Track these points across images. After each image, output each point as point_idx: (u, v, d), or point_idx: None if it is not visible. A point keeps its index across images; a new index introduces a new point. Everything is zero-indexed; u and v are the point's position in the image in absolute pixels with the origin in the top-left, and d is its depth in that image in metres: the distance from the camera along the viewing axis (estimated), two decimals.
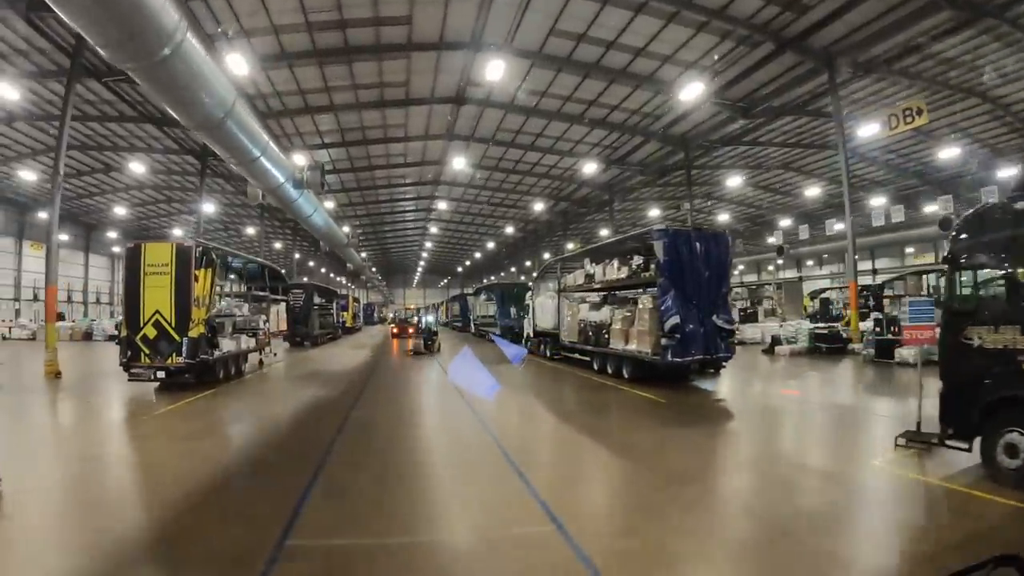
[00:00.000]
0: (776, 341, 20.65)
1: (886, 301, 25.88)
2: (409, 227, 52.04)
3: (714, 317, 11.92)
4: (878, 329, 17.69)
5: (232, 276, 20.95)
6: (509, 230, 47.43)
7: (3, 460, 5.80)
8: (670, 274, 11.71)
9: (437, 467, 6.80)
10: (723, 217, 41.41)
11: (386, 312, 68.82)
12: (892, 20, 16.03)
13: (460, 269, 75.98)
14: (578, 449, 7.81)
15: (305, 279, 42.56)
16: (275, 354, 20.46)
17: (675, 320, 11.36)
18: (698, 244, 12.06)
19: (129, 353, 11.75)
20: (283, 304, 22.19)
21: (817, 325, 22.09)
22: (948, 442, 5.97)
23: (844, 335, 20.01)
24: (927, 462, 6.24)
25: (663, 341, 11.48)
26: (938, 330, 6.57)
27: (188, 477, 5.99)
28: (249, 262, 19.56)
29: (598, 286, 16.23)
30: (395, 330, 21.43)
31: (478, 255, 62.33)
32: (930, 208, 28.30)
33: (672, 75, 19.99)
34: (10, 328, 33.46)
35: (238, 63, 15.56)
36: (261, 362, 18.11)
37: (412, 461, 6.94)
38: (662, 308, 11.64)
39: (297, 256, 54.31)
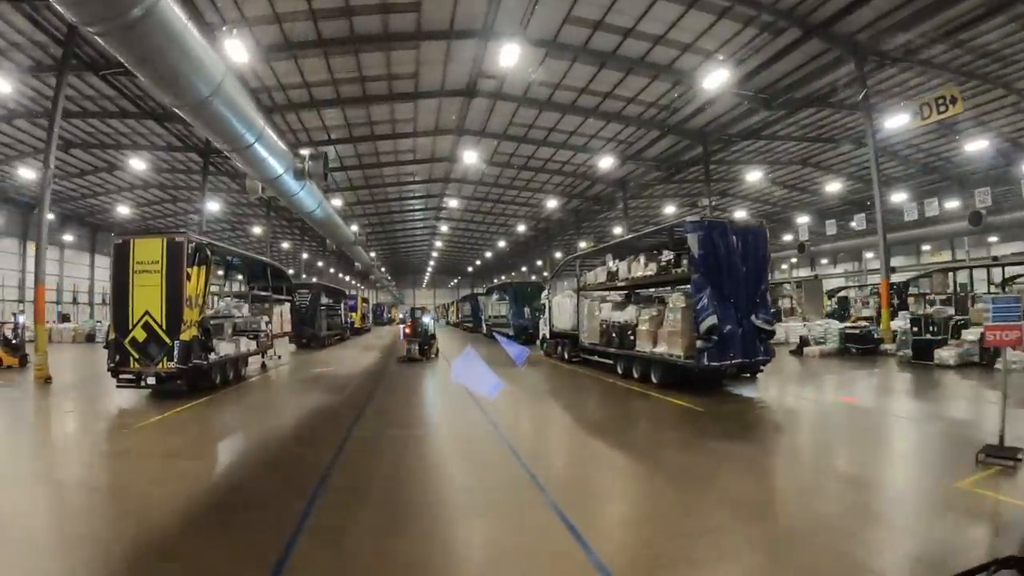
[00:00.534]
0: (804, 342, 19.67)
1: (910, 300, 24.58)
2: (418, 226, 51.26)
3: (753, 317, 10.84)
4: (915, 329, 16.59)
5: (232, 274, 20.15)
6: (521, 229, 46.44)
7: None
8: (705, 270, 10.64)
9: (458, 507, 5.44)
10: (739, 214, 40.25)
11: (395, 313, 67.64)
12: (922, 5, 15.26)
13: (470, 269, 75.26)
14: (625, 479, 6.48)
15: (314, 279, 42.03)
16: (279, 356, 19.67)
17: (712, 320, 10.30)
18: (734, 237, 10.97)
19: (117, 357, 10.86)
20: (287, 304, 21.23)
21: (848, 325, 20.97)
22: None
23: (876, 335, 18.96)
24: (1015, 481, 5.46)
25: (698, 343, 10.45)
26: None
27: (157, 509, 5.06)
28: (250, 260, 18.66)
29: (622, 284, 15.04)
30: (408, 330, 20.14)
31: (489, 255, 61.45)
32: (950, 204, 27.22)
33: (692, 64, 19.15)
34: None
35: (237, 49, 14.62)
36: (264, 365, 17.36)
37: (424, 499, 5.52)
38: (697, 307, 10.57)
39: (305, 256, 53.79)
